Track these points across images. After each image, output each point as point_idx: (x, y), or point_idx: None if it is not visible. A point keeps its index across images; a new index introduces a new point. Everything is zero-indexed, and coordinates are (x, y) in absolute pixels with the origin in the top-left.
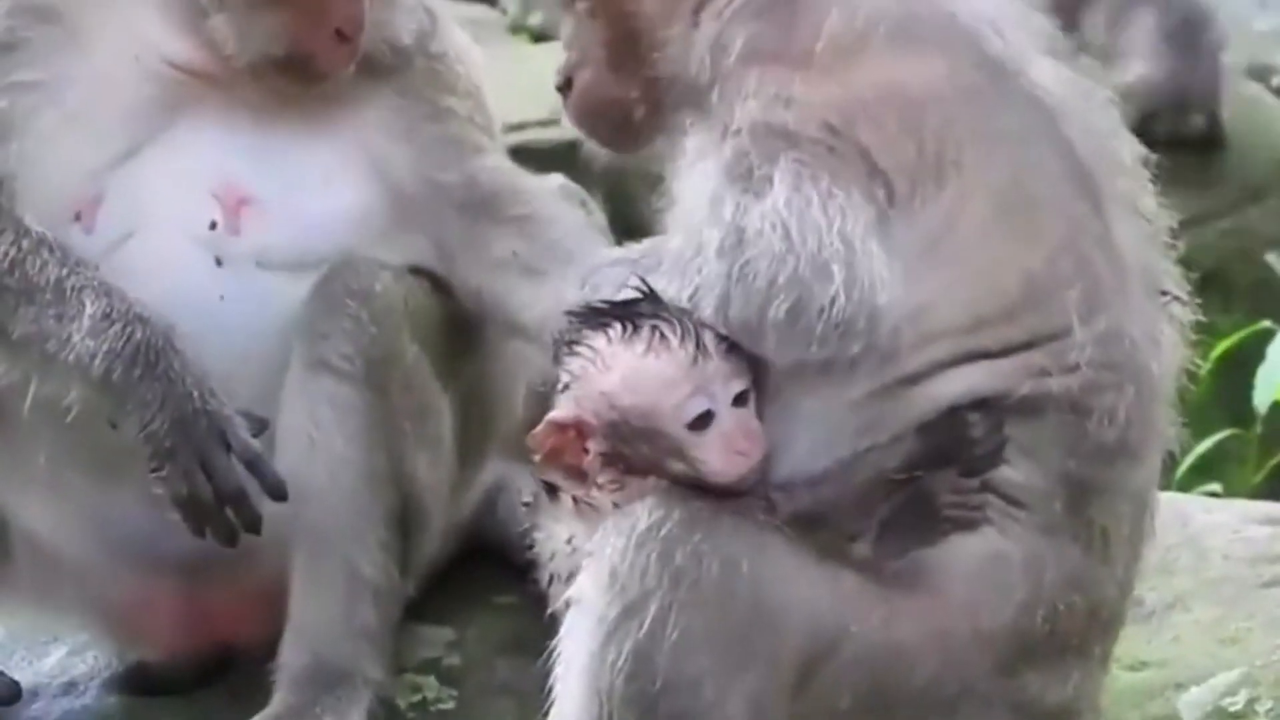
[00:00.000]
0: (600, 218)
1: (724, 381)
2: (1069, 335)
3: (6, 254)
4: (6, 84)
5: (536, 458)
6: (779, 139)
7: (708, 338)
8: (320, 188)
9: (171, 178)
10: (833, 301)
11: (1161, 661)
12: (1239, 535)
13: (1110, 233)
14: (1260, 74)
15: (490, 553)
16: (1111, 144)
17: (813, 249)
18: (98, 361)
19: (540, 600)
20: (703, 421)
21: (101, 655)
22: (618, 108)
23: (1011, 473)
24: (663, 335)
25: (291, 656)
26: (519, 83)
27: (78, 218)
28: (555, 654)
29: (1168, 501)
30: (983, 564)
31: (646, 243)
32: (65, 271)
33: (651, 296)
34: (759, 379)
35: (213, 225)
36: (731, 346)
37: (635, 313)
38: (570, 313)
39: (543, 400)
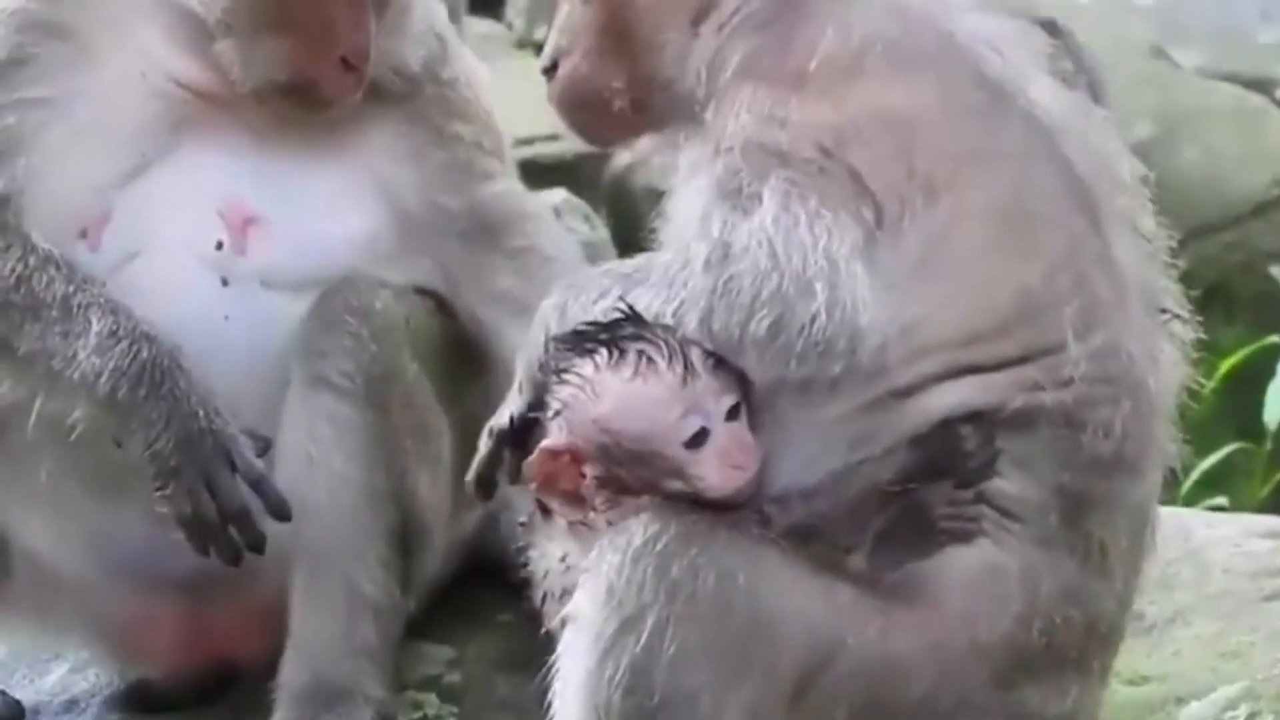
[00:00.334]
0: (603, 232)
1: (715, 398)
2: (1064, 350)
3: (13, 270)
4: (15, 100)
5: (532, 485)
6: (771, 158)
7: (694, 355)
8: (326, 209)
9: (178, 196)
10: (814, 320)
11: (1162, 676)
12: (1240, 549)
13: (1109, 250)
14: (1264, 87)
15: (491, 570)
16: (1111, 162)
17: (798, 267)
18: (103, 379)
19: (538, 618)
20: (698, 440)
21: (103, 673)
22: (600, 97)
23: (1005, 485)
24: (650, 359)
25: (292, 674)
26: (525, 97)
27: (84, 235)
28: (554, 670)
29: (1169, 516)
30: (978, 576)
31: (639, 258)
32: (72, 288)
33: (634, 316)
34: (748, 392)
35: (219, 245)
36: (719, 361)
37: (620, 336)
38: (556, 339)
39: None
